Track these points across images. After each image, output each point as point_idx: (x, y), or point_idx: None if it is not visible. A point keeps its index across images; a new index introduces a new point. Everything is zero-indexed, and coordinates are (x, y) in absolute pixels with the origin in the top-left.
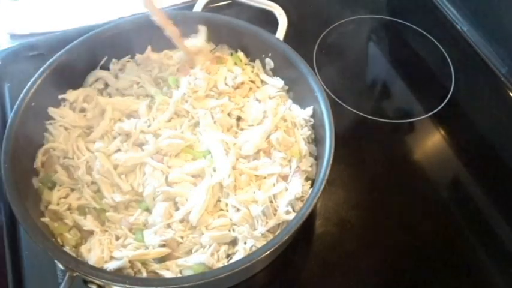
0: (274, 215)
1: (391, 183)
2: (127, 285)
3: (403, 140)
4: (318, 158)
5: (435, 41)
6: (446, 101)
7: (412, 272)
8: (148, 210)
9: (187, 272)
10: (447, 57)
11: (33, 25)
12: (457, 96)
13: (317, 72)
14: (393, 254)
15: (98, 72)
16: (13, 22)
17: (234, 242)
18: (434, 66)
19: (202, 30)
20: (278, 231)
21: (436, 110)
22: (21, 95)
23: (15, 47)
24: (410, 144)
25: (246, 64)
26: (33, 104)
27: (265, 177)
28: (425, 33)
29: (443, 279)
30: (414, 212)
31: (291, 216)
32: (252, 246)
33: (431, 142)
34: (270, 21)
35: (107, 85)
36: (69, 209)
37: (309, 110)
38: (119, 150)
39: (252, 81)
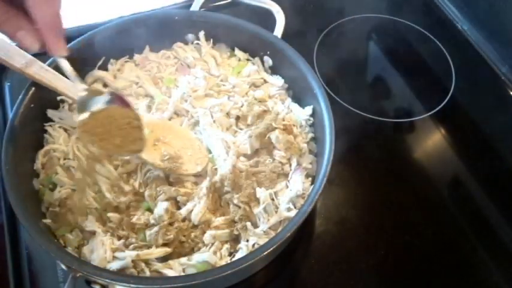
0: (276, 212)
1: (392, 183)
2: (131, 285)
3: (403, 139)
4: (318, 155)
5: (436, 40)
6: (446, 100)
7: (412, 272)
8: (150, 209)
9: (190, 271)
10: (447, 56)
11: None
12: (458, 95)
13: (317, 71)
14: (393, 253)
15: (97, 73)
16: None
17: (236, 240)
18: (435, 65)
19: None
20: (280, 229)
21: (436, 109)
22: (20, 96)
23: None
24: (410, 143)
25: (247, 59)
26: (32, 105)
27: (265, 175)
28: (425, 32)
29: (444, 279)
30: (414, 211)
31: (293, 213)
32: (254, 243)
33: (431, 141)
34: (268, 20)
35: (105, 85)
36: (70, 210)
37: (309, 109)
38: None
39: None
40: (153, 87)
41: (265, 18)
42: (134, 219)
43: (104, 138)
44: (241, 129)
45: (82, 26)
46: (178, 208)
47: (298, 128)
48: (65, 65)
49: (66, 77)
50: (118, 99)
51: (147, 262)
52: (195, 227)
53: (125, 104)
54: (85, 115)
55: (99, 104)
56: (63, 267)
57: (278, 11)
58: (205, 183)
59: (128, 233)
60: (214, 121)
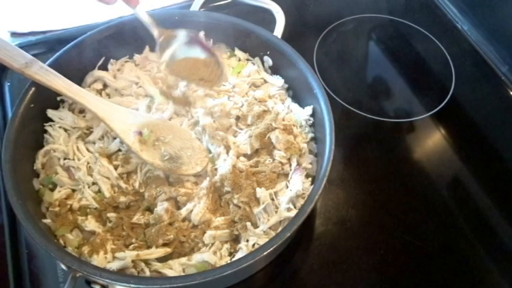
0: (276, 212)
1: (391, 183)
2: (131, 285)
3: (403, 139)
4: (318, 155)
5: (435, 40)
6: (446, 100)
7: (412, 272)
8: (150, 210)
9: (190, 271)
10: (447, 56)
11: (33, 24)
12: (458, 95)
13: (318, 71)
14: (393, 253)
15: (97, 73)
16: (14, 20)
17: (236, 240)
18: (435, 65)
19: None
20: (280, 229)
21: (436, 109)
22: (20, 96)
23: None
24: (410, 143)
25: (247, 60)
26: (32, 105)
27: (265, 175)
28: (425, 32)
29: (443, 279)
30: (414, 211)
31: (293, 213)
32: (254, 243)
33: (431, 141)
34: (268, 20)
35: (105, 85)
36: (70, 210)
37: (309, 110)
38: (119, 150)
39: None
40: (153, 87)
41: (265, 18)
42: (134, 219)
43: (189, 76)
44: (241, 129)
45: (82, 26)
46: (178, 208)
47: (298, 128)
48: (142, 13)
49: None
50: (195, 41)
51: (147, 262)
52: (195, 227)
53: (203, 45)
54: (167, 56)
55: (180, 47)
56: (63, 267)
57: (278, 11)
58: (205, 183)
59: (128, 233)
60: (214, 121)
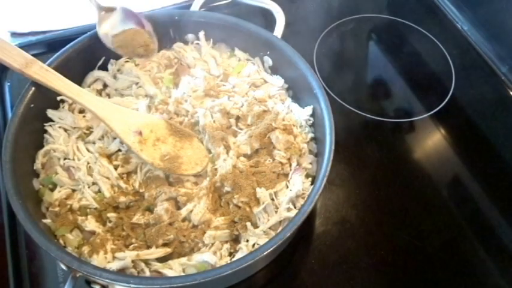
0: (276, 212)
1: (391, 183)
2: (131, 285)
3: (403, 139)
4: (318, 155)
5: (436, 40)
6: (446, 100)
7: (412, 272)
8: (150, 210)
9: (190, 271)
10: (447, 56)
11: (33, 24)
12: (458, 95)
13: (317, 72)
14: (393, 253)
15: (97, 73)
16: (14, 20)
17: (236, 240)
18: (435, 65)
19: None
20: (280, 229)
21: (436, 109)
22: (20, 96)
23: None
24: (410, 143)
25: (247, 60)
26: (32, 105)
27: (265, 175)
28: (425, 32)
29: (444, 278)
30: (414, 211)
31: (293, 213)
32: (254, 243)
33: (431, 141)
34: (268, 20)
35: (105, 86)
36: (70, 210)
37: (309, 110)
38: (119, 150)
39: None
40: (153, 87)
41: (265, 18)
42: (134, 219)
43: (132, 48)
44: (241, 129)
45: (82, 26)
46: (178, 208)
47: (298, 128)
48: None
49: None
50: (130, 14)
51: (147, 262)
52: (195, 227)
53: (136, 18)
54: (105, 28)
55: (118, 21)
56: (63, 267)
57: (278, 11)
58: (205, 183)
59: (128, 233)
60: (214, 121)
